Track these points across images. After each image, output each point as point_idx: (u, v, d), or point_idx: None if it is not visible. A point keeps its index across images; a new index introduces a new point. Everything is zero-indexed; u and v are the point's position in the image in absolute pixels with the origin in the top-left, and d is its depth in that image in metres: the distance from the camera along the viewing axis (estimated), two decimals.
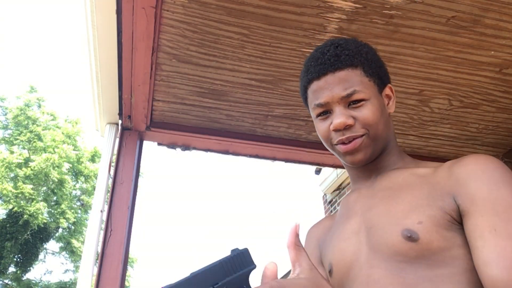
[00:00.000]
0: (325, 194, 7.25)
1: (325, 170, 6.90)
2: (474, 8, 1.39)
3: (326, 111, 0.86)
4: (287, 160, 2.02)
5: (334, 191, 6.92)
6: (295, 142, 1.94)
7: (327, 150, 0.92)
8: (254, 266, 0.59)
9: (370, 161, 0.88)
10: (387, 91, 0.91)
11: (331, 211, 7.00)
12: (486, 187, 0.72)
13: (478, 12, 1.40)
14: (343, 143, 0.84)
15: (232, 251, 0.59)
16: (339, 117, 0.83)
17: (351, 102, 0.83)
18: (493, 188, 0.71)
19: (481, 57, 1.59)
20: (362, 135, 0.83)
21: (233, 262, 0.58)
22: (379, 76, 0.88)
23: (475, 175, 0.74)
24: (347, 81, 0.84)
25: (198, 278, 0.56)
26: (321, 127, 0.87)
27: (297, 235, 0.60)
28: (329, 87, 0.84)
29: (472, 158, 0.77)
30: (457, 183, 0.75)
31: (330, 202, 7.10)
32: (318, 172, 7.10)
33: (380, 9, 1.37)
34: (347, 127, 0.83)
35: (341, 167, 2.08)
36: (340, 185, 6.71)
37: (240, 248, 0.59)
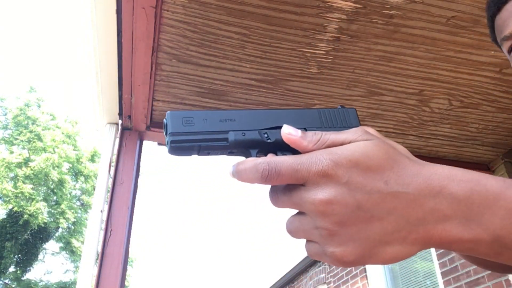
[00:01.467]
0: None
1: None
2: (474, 8, 1.38)
3: None
4: None
5: None
6: None
7: None
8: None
9: None
10: None
11: None
12: None
13: (478, 12, 1.40)
14: None
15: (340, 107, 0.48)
16: None
17: None
18: None
19: (481, 57, 1.59)
20: None
21: (332, 116, 0.46)
22: None
23: None
24: None
25: (279, 115, 0.45)
26: None
27: (303, 136, 0.39)
28: None
29: None
30: None
31: None
32: None
33: (380, 9, 1.37)
34: None
35: None
36: None
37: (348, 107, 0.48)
